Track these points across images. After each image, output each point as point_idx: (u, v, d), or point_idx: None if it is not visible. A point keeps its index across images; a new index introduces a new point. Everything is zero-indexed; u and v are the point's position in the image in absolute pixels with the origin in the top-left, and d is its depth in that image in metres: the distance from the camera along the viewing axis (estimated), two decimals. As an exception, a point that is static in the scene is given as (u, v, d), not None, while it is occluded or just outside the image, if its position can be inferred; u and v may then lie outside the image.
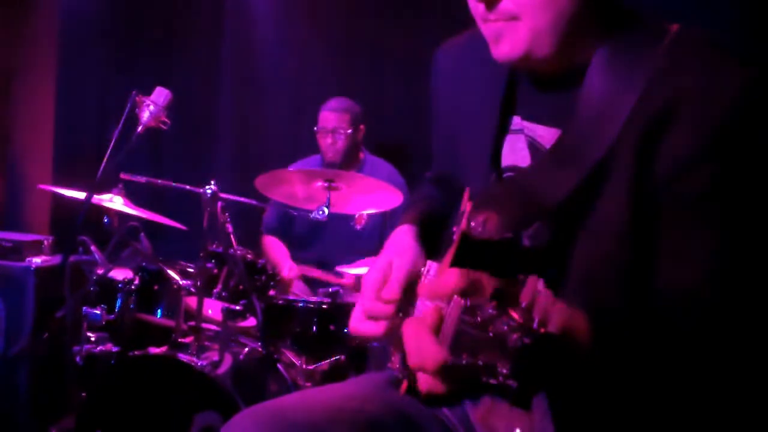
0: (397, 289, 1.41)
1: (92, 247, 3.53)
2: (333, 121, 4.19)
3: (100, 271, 3.43)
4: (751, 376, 1.18)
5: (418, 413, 1.38)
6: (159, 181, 3.25)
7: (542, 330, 0.92)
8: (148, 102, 3.03)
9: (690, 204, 1.21)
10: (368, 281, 1.45)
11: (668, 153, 1.20)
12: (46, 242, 3.93)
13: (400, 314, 1.44)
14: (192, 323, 3.15)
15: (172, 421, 2.90)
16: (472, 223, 1.24)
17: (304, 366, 3.29)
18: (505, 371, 0.91)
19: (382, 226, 4.12)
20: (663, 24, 1.28)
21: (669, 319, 1.20)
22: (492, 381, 0.93)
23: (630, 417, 1.19)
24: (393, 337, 1.49)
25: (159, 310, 3.34)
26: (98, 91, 5.29)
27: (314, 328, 3.40)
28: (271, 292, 3.36)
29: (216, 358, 3.02)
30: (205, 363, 2.93)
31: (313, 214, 3.02)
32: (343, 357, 3.41)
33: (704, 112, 1.19)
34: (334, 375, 3.40)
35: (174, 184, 3.21)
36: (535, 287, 0.95)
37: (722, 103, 1.19)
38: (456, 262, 1.27)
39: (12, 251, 3.76)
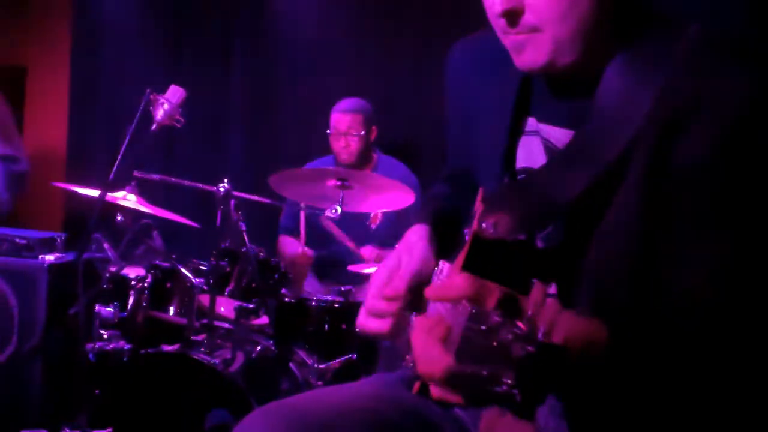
0: (401, 286, 1.42)
1: (105, 245, 3.54)
2: (345, 123, 4.18)
3: (112, 269, 3.44)
4: (756, 378, 1.18)
5: (431, 413, 1.38)
6: (172, 179, 3.26)
7: (545, 340, 0.91)
8: (162, 100, 3.03)
9: (700, 206, 1.21)
10: (375, 278, 1.45)
11: (681, 155, 1.20)
12: (59, 239, 3.93)
13: (413, 312, 1.44)
14: (204, 321, 3.15)
15: (184, 419, 2.91)
16: (484, 225, 1.23)
17: (315, 365, 3.29)
18: (509, 381, 0.90)
19: (396, 224, 4.11)
20: (682, 25, 1.27)
21: (674, 320, 1.20)
22: (497, 390, 0.92)
23: (639, 418, 1.18)
24: (403, 336, 1.49)
25: (171, 308, 3.34)
26: (111, 88, 5.29)
27: (326, 326, 3.40)
28: (284, 291, 3.36)
29: (228, 356, 3.03)
30: (217, 361, 2.94)
31: (326, 213, 3.02)
32: (354, 356, 3.40)
33: (718, 115, 1.18)
34: (346, 374, 3.40)
35: (187, 182, 3.22)
36: (541, 295, 0.95)
37: (736, 106, 1.18)
38: (468, 264, 1.27)
39: (25, 248, 3.76)
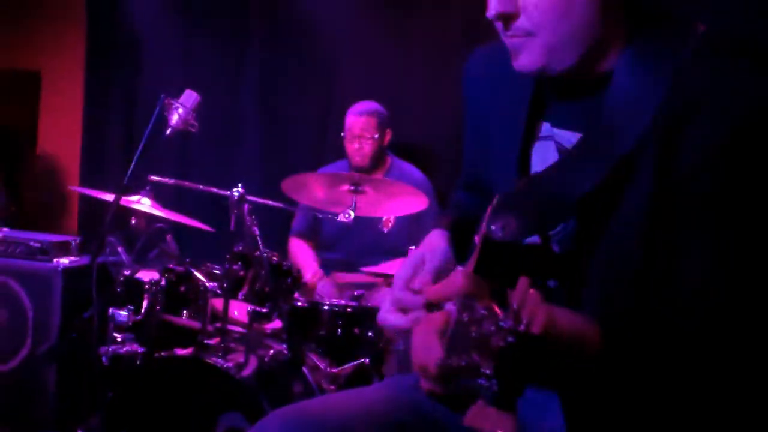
0: (429, 278, 1.41)
1: (119, 249, 3.56)
2: (359, 126, 4.19)
3: (126, 272, 3.46)
4: (755, 378, 1.18)
5: (442, 416, 1.39)
6: (187, 183, 3.27)
7: (522, 330, 0.92)
8: (176, 105, 3.05)
9: (702, 204, 1.21)
10: (399, 274, 1.45)
11: (687, 154, 1.21)
12: (73, 243, 3.96)
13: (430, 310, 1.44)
14: (218, 325, 3.16)
15: (197, 422, 2.92)
16: (493, 227, 1.24)
17: (328, 369, 3.29)
18: (488, 372, 0.91)
19: (410, 228, 4.12)
20: (689, 23, 1.28)
21: (674, 319, 1.20)
22: (479, 381, 0.93)
23: (638, 417, 1.19)
24: None
25: (185, 312, 3.35)
26: (125, 93, 5.32)
27: (339, 331, 3.41)
28: (297, 295, 3.37)
29: (241, 359, 3.04)
30: (230, 364, 2.95)
31: (340, 217, 3.03)
32: (367, 360, 3.41)
33: (723, 114, 1.19)
34: (359, 378, 3.40)
35: (201, 186, 3.23)
36: (525, 288, 0.96)
37: (741, 104, 1.19)
38: (479, 267, 1.28)
39: (40, 252, 3.80)
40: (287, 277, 3.27)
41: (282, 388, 3.12)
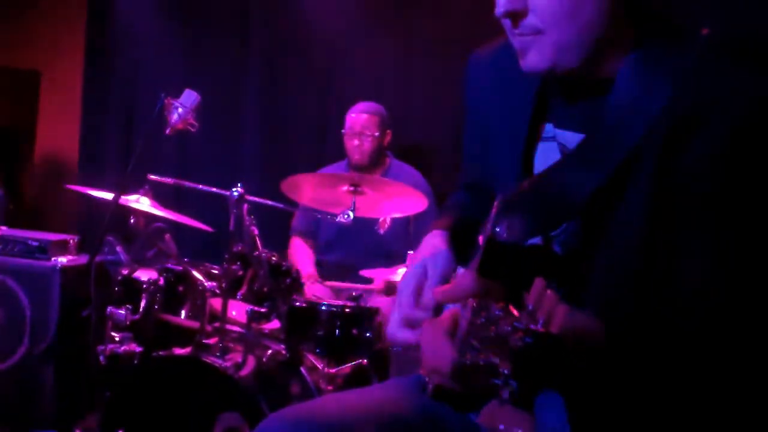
0: (435, 296, 1.42)
1: (118, 248, 3.55)
2: (361, 123, 4.20)
3: (125, 272, 3.46)
4: (755, 378, 1.18)
5: (448, 418, 1.39)
6: (186, 182, 3.27)
7: (542, 330, 0.93)
8: (176, 104, 3.05)
9: (704, 205, 1.22)
10: (404, 289, 1.45)
11: (689, 156, 1.21)
12: (72, 242, 3.96)
13: None
14: (216, 324, 3.16)
15: (194, 422, 2.92)
16: (497, 229, 1.24)
17: (326, 369, 3.29)
18: (506, 371, 0.92)
19: (406, 230, 4.12)
20: (694, 28, 1.29)
21: (674, 320, 1.21)
22: (495, 381, 0.94)
23: (640, 417, 1.19)
24: None
25: (183, 311, 3.35)
26: (124, 92, 5.32)
27: (337, 331, 3.40)
28: (295, 295, 3.36)
29: (240, 359, 3.04)
30: (228, 364, 2.95)
31: (339, 218, 3.03)
32: (365, 361, 3.41)
33: (727, 117, 1.19)
34: (356, 379, 3.40)
35: (201, 186, 3.23)
36: (541, 289, 0.96)
37: (745, 108, 1.19)
38: (482, 268, 1.28)
39: (38, 250, 3.80)
40: (286, 277, 3.27)
41: (280, 388, 3.12)
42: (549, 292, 0.95)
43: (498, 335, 0.94)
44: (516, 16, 1.29)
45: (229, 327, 3.18)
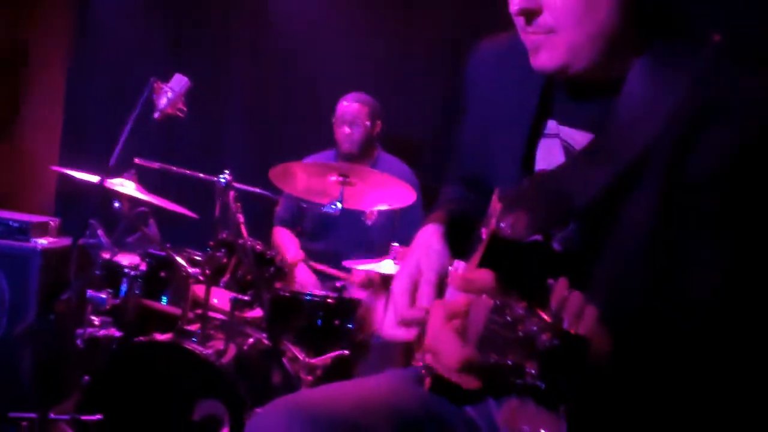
0: (431, 294, 1.43)
1: (99, 231, 3.52)
2: (352, 112, 4.19)
3: (106, 255, 3.42)
4: (757, 381, 1.19)
5: (444, 410, 1.38)
6: (173, 167, 3.24)
7: (572, 331, 0.92)
8: (166, 88, 3.02)
9: (715, 214, 1.22)
10: (399, 287, 1.46)
11: (700, 162, 1.21)
12: (52, 224, 3.92)
13: None
14: (198, 311, 3.14)
15: (174, 408, 2.90)
16: (502, 224, 1.24)
17: (307, 359, 3.28)
18: (533, 371, 0.91)
19: (393, 222, 4.11)
20: (705, 33, 1.28)
21: (677, 322, 1.21)
22: (519, 381, 0.93)
23: (642, 417, 1.19)
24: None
25: (164, 297, 3.33)
26: (110, 74, 5.26)
27: (319, 321, 3.40)
28: (278, 284, 3.35)
29: (221, 347, 3.02)
30: (210, 351, 2.93)
31: (326, 208, 3.02)
32: (346, 352, 3.40)
33: (738, 125, 1.19)
34: (337, 370, 3.40)
35: (188, 171, 3.21)
36: (565, 290, 0.96)
37: (755, 113, 1.19)
38: (484, 263, 1.28)
39: (18, 232, 3.75)
40: (270, 266, 3.25)
41: (261, 377, 3.12)
42: (575, 293, 0.94)
43: (524, 335, 0.93)
44: (530, 14, 1.28)
45: (211, 314, 3.16)
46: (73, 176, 3.36)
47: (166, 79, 3.11)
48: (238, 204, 3.15)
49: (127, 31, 5.21)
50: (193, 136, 4.93)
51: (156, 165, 3.24)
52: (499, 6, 1.38)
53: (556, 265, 1.29)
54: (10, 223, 3.75)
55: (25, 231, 3.75)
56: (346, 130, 4.20)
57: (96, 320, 3.37)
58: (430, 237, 1.54)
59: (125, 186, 3.28)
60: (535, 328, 0.93)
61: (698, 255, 1.23)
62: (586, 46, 1.27)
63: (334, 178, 3.08)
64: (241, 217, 3.13)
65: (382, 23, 4.79)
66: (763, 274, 1.20)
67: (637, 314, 1.24)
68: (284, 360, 3.25)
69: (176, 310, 3.27)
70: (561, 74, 1.32)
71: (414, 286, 1.45)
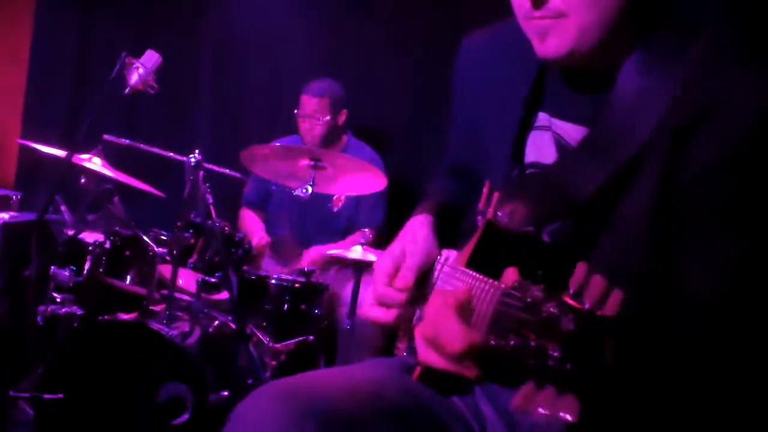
0: (411, 277, 1.43)
1: (62, 207, 3.47)
2: (311, 107, 4.11)
3: (69, 232, 3.37)
4: (756, 379, 1.19)
5: (432, 401, 1.37)
6: (142, 145, 3.19)
7: (598, 313, 0.90)
8: (137, 64, 2.97)
9: (713, 209, 1.22)
10: (380, 267, 1.46)
11: (697, 158, 1.21)
12: (14, 198, 3.85)
13: (414, 306, 1.44)
14: (164, 292, 3.11)
15: (137, 389, 2.86)
16: (499, 213, 1.24)
17: (271, 344, 3.27)
18: (556, 354, 0.89)
19: (357, 208, 4.10)
20: (699, 27, 1.28)
21: (677, 318, 1.21)
22: (538, 364, 0.90)
23: (639, 415, 1.19)
24: (402, 324, 1.49)
25: (129, 276, 3.28)
26: (75, 49, 5.17)
27: (285, 306, 3.38)
28: (246, 267, 3.32)
29: (187, 328, 2.99)
30: (175, 333, 2.90)
31: (297, 192, 2.98)
32: (311, 337, 3.39)
33: (734, 120, 1.19)
34: (301, 355, 3.39)
35: (158, 149, 3.16)
36: (584, 273, 0.93)
37: (752, 112, 1.19)
38: (477, 251, 1.27)
39: (-22, 205, 3.69)
40: (238, 248, 3.22)
41: (225, 360, 3.09)
42: (598, 276, 0.93)
43: (547, 316, 0.91)
44: None
45: (177, 295, 3.12)
46: (39, 150, 3.30)
47: (137, 54, 3.05)
48: (207, 185, 3.11)
49: (96, 5, 5.12)
50: (159, 113, 4.86)
51: (125, 142, 3.19)
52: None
53: (545, 256, 1.28)
54: (-29, 196, 3.68)
55: (-15, 205, 3.69)
56: (307, 125, 4.14)
57: (58, 297, 3.33)
58: (418, 226, 1.53)
59: (92, 162, 3.23)
60: (555, 310, 0.91)
61: (698, 250, 1.23)
62: (595, 30, 1.25)
63: (305, 162, 3.05)
64: (210, 198, 3.09)
65: (356, 6, 4.74)
66: (764, 269, 1.21)
67: (635, 310, 1.24)
68: (249, 344, 3.22)
69: (141, 290, 3.23)
70: (566, 61, 1.30)
71: (396, 268, 1.45)
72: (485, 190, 1.42)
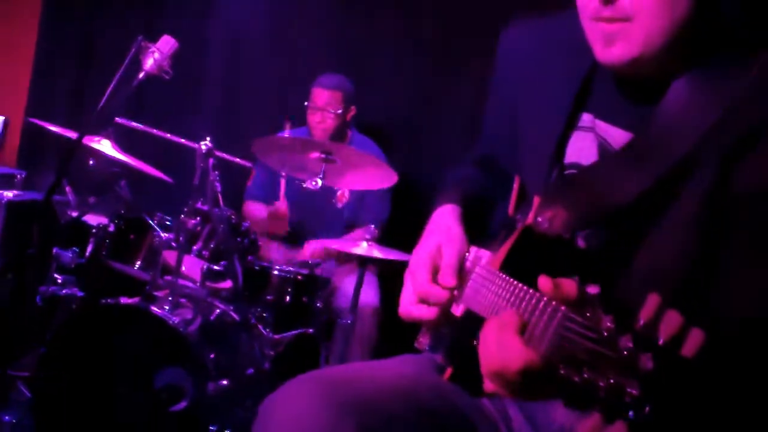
0: (453, 276, 1.40)
1: (67, 188, 3.45)
2: (324, 99, 4.10)
3: (74, 214, 3.37)
4: None
5: (462, 402, 1.37)
6: (155, 130, 3.18)
7: (682, 354, 0.86)
8: (153, 49, 2.94)
9: (759, 234, 1.18)
10: (419, 264, 1.43)
11: (746, 177, 1.18)
12: (19, 177, 3.84)
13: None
14: (168, 278, 3.10)
15: (136, 374, 2.85)
16: (539, 218, 1.22)
17: (271, 335, 3.26)
18: (635, 392, 0.85)
19: (360, 203, 4.09)
20: (757, 46, 1.24)
21: (721, 344, 1.16)
22: (613, 400, 0.86)
23: None
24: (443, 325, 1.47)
25: (133, 261, 3.27)
26: (83, 31, 5.15)
27: (287, 298, 3.38)
28: (250, 257, 3.32)
29: (189, 315, 2.98)
30: (177, 319, 2.89)
31: (307, 184, 2.98)
32: (312, 330, 3.39)
33: None
34: (301, 347, 3.38)
35: (170, 135, 3.15)
36: (656, 306, 0.89)
37: None
38: (513, 254, 1.26)
39: (-18, 182, 3.68)
40: (244, 238, 3.22)
41: (226, 349, 3.08)
42: (674, 312, 0.87)
43: (626, 353, 0.87)
44: None
45: (181, 282, 3.11)
46: (47, 130, 3.29)
47: (148, 38, 3.03)
48: (216, 172, 3.10)
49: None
50: (167, 99, 4.83)
51: (137, 126, 3.18)
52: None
53: (578, 262, 1.27)
54: (-25, 173, 3.67)
55: (-11, 182, 3.68)
56: (318, 117, 4.12)
57: (59, 278, 3.32)
58: (448, 218, 1.51)
59: (102, 144, 3.22)
60: (630, 344, 0.87)
61: (740, 270, 1.20)
62: (660, 38, 1.22)
63: (316, 155, 3.04)
64: (218, 186, 3.09)
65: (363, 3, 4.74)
66: None
67: (714, 353, 1.19)
68: (250, 333, 3.22)
69: (144, 275, 3.22)
70: (626, 68, 1.27)
71: (434, 264, 1.42)
72: (516, 186, 1.41)
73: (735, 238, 1.19)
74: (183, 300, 3.07)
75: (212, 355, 2.89)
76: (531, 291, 1.08)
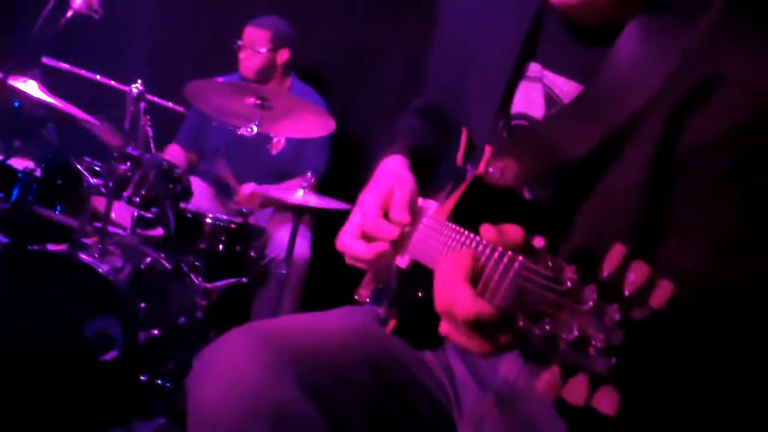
0: (406, 213, 1.35)
1: (-9, 131, 3.34)
2: (250, 37, 4.06)
3: (-1, 157, 3.25)
4: (754, 368, 1.13)
5: (406, 355, 1.34)
6: (83, 71, 3.07)
7: (651, 304, 0.82)
8: (82, -14, 2.84)
9: (709, 185, 1.15)
10: (369, 201, 1.38)
11: (697, 131, 1.14)
12: (-62, 119, 3.68)
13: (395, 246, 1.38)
14: (97, 225, 3.01)
15: (65, 323, 2.78)
16: (490, 169, 1.19)
17: (203, 284, 3.21)
18: (600, 345, 0.82)
19: (297, 152, 4.02)
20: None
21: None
22: (574, 352, 0.84)
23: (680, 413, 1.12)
24: (378, 267, 1.44)
25: (59, 206, 3.18)
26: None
27: (220, 246, 3.33)
28: (182, 204, 3.24)
29: (119, 264, 2.91)
30: (107, 267, 2.81)
31: (241, 131, 2.92)
32: (245, 279, 3.34)
33: (739, 96, 1.12)
34: (234, 297, 3.34)
35: (99, 77, 3.05)
36: (623, 255, 0.86)
37: (753, 89, 1.12)
38: (460, 205, 1.23)
39: None
40: (177, 184, 3.13)
41: (158, 298, 3.02)
42: (641, 262, 0.84)
43: (594, 306, 0.84)
44: None
45: (111, 229, 3.04)
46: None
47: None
48: (148, 117, 3.01)
49: None
50: (96, 41, 4.67)
51: (65, 66, 3.06)
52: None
53: (526, 214, 1.24)
54: None
55: None
56: (243, 54, 4.08)
57: (-17, 224, 3.21)
58: (398, 167, 1.47)
59: (27, 85, 3.09)
60: (596, 296, 0.84)
61: (692, 222, 1.17)
62: None
63: (251, 101, 2.97)
64: (150, 131, 3.00)
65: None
66: (757, 248, 1.14)
67: (684, 304, 1.16)
68: (181, 282, 3.17)
69: (72, 221, 3.13)
70: (577, 10, 1.24)
71: (385, 203, 1.37)
72: (463, 139, 1.38)
73: (684, 190, 1.17)
74: (112, 247, 2.99)
75: (143, 304, 2.82)
76: (484, 241, 1.05)
